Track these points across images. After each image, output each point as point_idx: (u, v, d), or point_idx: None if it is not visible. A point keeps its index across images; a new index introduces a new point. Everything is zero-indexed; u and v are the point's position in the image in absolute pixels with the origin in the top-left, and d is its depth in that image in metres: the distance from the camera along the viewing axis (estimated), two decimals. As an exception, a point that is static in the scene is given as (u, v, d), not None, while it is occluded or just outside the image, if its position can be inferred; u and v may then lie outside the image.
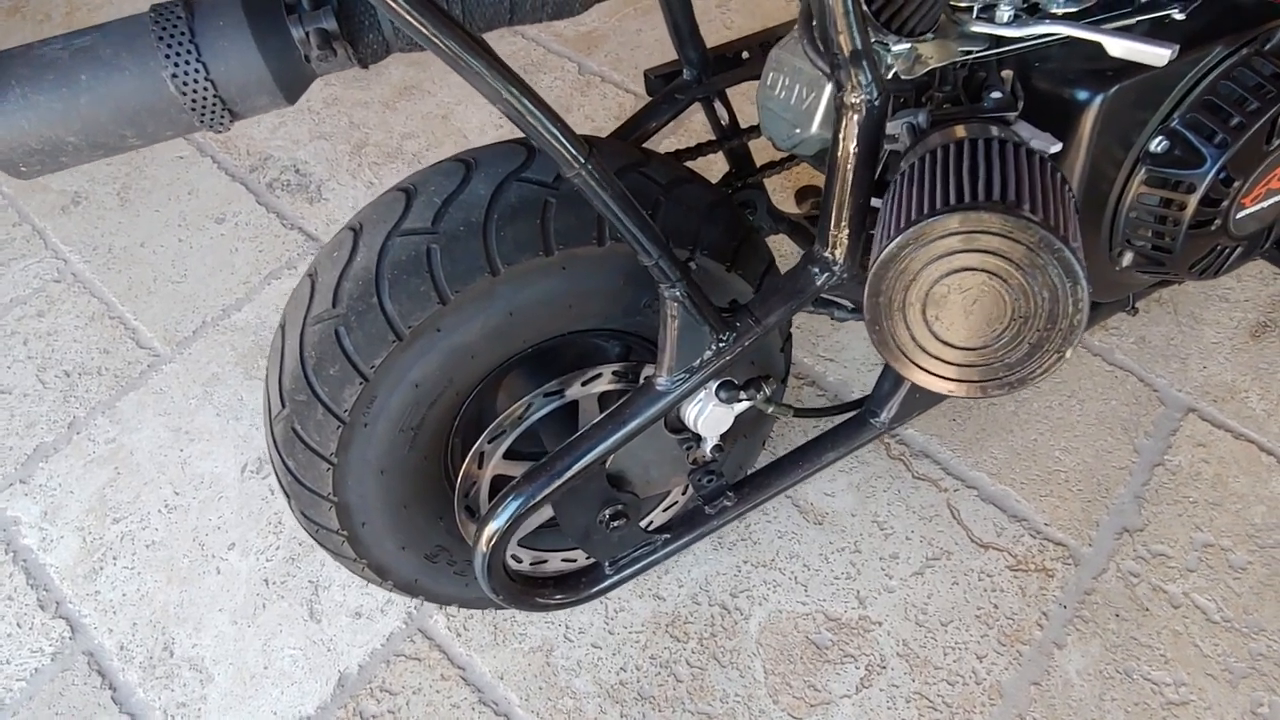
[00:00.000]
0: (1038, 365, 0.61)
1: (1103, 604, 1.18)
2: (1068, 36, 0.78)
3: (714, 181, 1.02)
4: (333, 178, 1.76)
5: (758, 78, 1.00)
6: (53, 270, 1.66)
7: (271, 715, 1.18)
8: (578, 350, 0.93)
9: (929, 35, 0.79)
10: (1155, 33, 0.81)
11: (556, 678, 1.17)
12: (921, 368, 0.65)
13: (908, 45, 0.78)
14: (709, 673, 1.16)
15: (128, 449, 1.43)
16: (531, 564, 1.00)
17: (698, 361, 0.78)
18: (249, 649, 1.23)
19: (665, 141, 1.75)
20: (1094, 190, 0.88)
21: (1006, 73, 0.84)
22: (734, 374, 0.84)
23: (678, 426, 0.90)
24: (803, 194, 1.43)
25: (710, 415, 0.86)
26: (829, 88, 0.86)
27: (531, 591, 0.91)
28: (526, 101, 0.60)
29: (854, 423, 0.98)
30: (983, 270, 0.58)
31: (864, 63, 0.66)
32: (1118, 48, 0.76)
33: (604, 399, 0.90)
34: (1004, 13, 0.80)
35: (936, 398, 0.97)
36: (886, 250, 0.60)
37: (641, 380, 0.85)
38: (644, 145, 1.01)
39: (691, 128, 1.76)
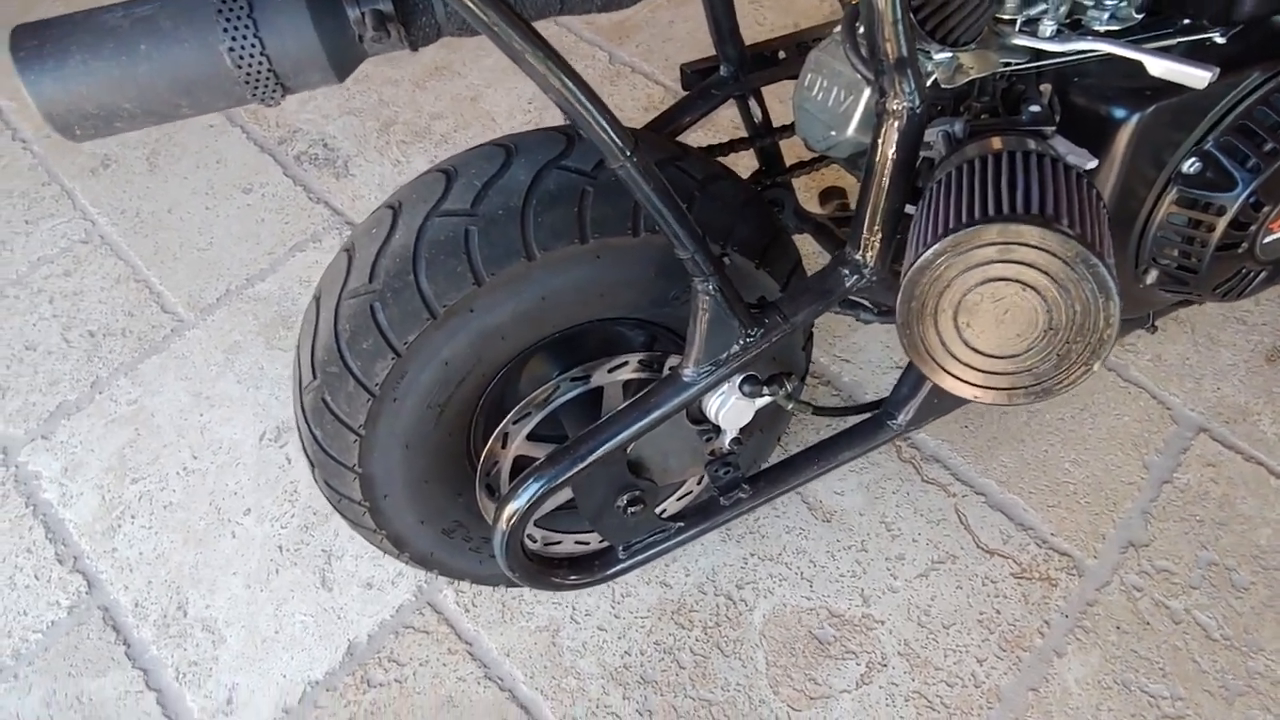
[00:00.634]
0: (1065, 377, 0.63)
1: (1104, 616, 1.19)
2: (1108, 54, 0.79)
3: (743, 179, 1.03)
4: (360, 154, 1.77)
5: (794, 78, 1.01)
6: (80, 231, 1.67)
7: (281, 678, 1.20)
8: (604, 338, 0.95)
9: (971, 46, 0.80)
10: (1195, 55, 0.82)
11: (561, 657, 1.19)
12: (950, 373, 0.66)
13: (950, 54, 0.79)
14: (711, 661, 1.18)
15: (148, 411, 1.45)
16: (544, 544, 1.02)
17: (724, 355, 0.80)
18: (261, 613, 1.25)
19: (692, 137, 1.75)
20: (1124, 207, 0.89)
21: (1045, 87, 0.85)
22: (757, 369, 0.86)
23: (699, 418, 0.92)
24: (826, 195, 1.44)
25: (732, 408, 0.87)
26: (867, 92, 0.87)
27: (547, 571, 0.93)
28: (578, 92, 0.61)
29: (871, 424, 1.00)
30: (1017, 281, 0.60)
31: (908, 70, 0.67)
32: (1158, 68, 0.76)
33: (627, 387, 0.91)
34: (1047, 27, 0.81)
35: (954, 403, 0.98)
36: (923, 257, 0.61)
37: (666, 370, 0.86)
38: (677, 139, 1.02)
39: (719, 124, 1.77)
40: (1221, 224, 0.85)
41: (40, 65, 0.63)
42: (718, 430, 0.93)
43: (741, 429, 0.95)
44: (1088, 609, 1.20)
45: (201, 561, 1.30)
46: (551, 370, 0.91)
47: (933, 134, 0.84)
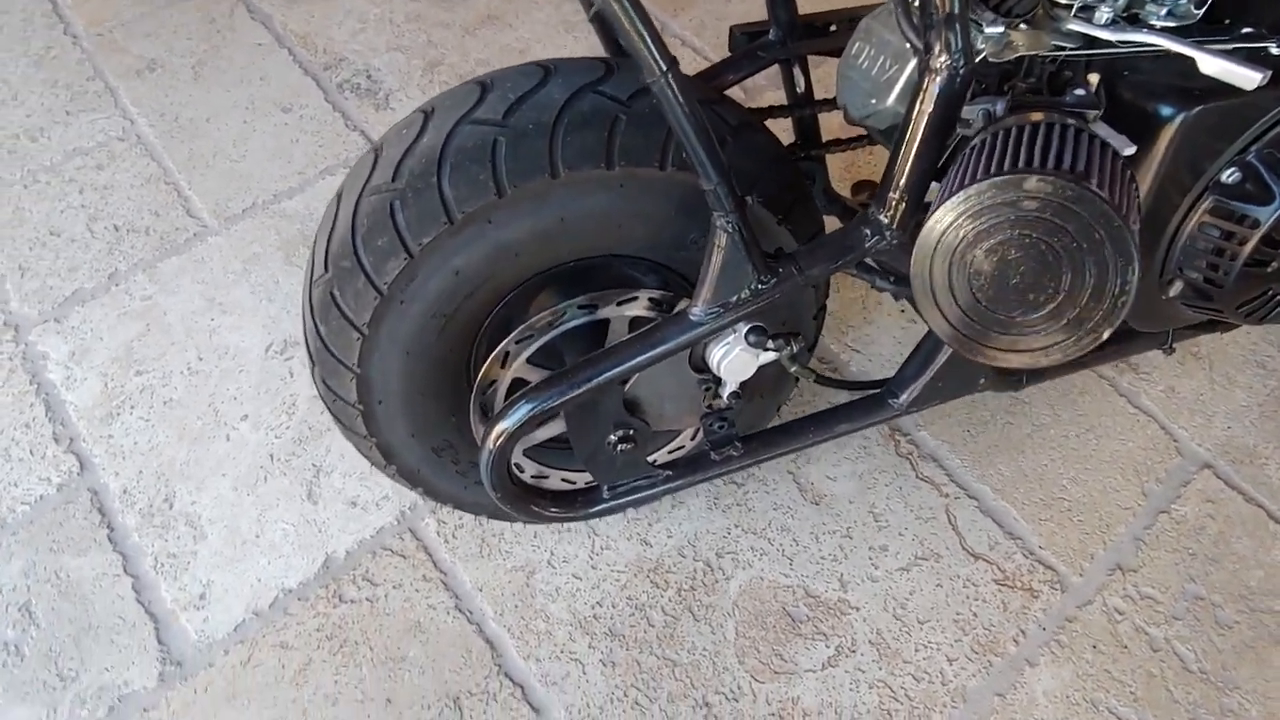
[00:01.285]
0: (1075, 342, 0.62)
1: (1082, 633, 1.18)
2: (1161, 50, 0.78)
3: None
4: (402, 89, 1.78)
5: (839, 53, 1.00)
6: (119, 128, 1.69)
7: (255, 581, 1.21)
8: (618, 276, 0.94)
9: (1023, 25, 0.79)
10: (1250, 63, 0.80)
11: (534, 599, 1.20)
12: (957, 329, 0.65)
13: (1001, 28, 0.78)
14: (681, 623, 1.18)
15: (161, 309, 1.46)
16: (533, 477, 1.02)
17: (735, 299, 0.79)
18: (244, 516, 1.26)
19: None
20: (1156, 212, 0.87)
21: (1093, 76, 0.83)
22: (766, 322, 0.85)
23: (701, 366, 0.92)
24: (859, 187, 1.43)
25: (735, 359, 0.87)
26: (912, 63, 0.86)
27: (529, 499, 0.93)
28: (627, 2, 0.61)
29: (872, 400, 0.99)
30: (1039, 239, 0.59)
31: (957, 27, 0.67)
32: (1211, 66, 0.75)
33: (634, 324, 0.91)
34: (1103, 14, 0.80)
35: (957, 389, 0.97)
36: (945, 205, 0.60)
37: (676, 311, 0.86)
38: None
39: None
40: (1254, 239, 0.84)
41: None
42: (718, 382, 0.92)
43: (742, 388, 0.95)
44: (1066, 624, 1.19)
45: (193, 459, 1.31)
46: (562, 299, 0.90)
47: (973, 111, 0.83)
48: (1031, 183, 0.58)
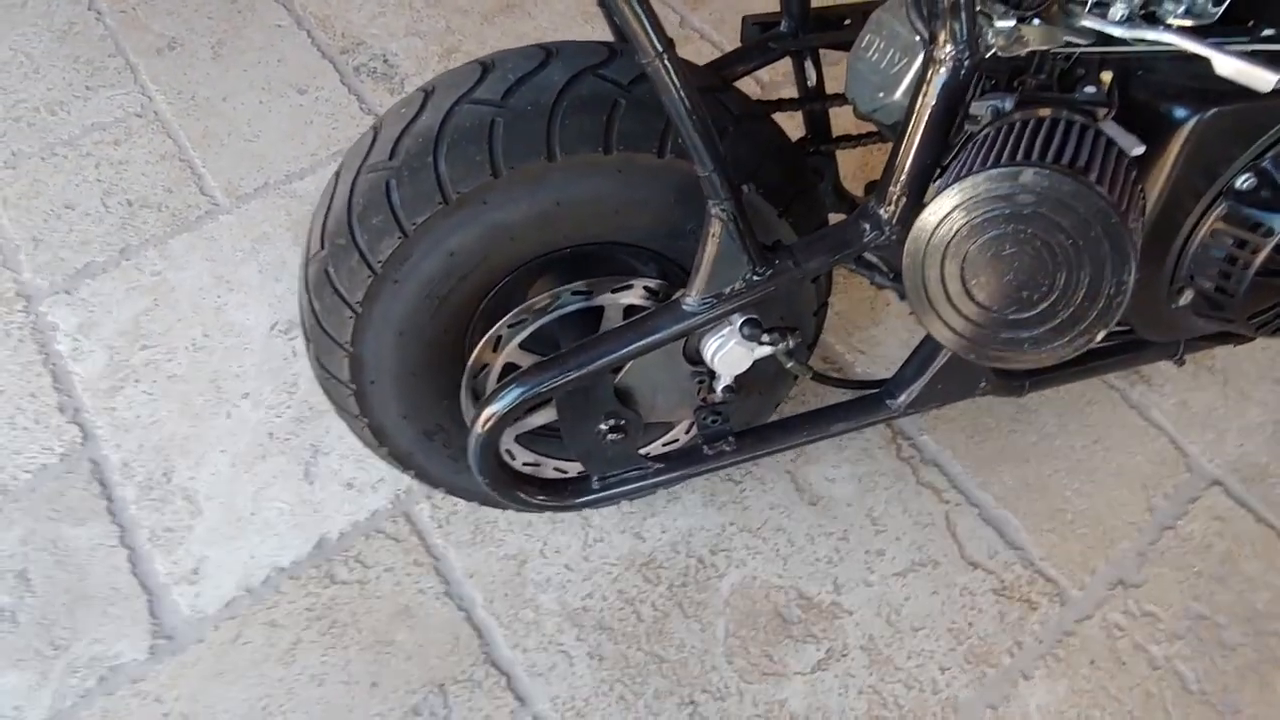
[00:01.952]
0: (1067, 343, 0.60)
1: (1080, 648, 1.16)
2: (1177, 49, 0.76)
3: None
4: (418, 74, 1.78)
5: (851, 47, 0.99)
6: (137, 105, 1.71)
7: (249, 558, 1.21)
8: (614, 265, 0.93)
9: (1036, 20, 0.77)
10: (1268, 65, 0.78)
11: (524, 589, 1.19)
12: (947, 324, 0.64)
13: (1012, 22, 0.76)
14: (671, 619, 1.17)
15: (170, 284, 1.47)
16: (524, 464, 1.01)
17: (729, 289, 0.78)
18: (241, 493, 1.27)
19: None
20: (1167, 217, 0.85)
21: (1106, 74, 0.81)
22: (761, 316, 0.84)
23: (696, 359, 0.91)
24: (872, 187, 1.41)
25: (730, 352, 0.86)
26: (922, 56, 0.85)
27: (517, 484, 0.92)
28: (620, -23, 0.60)
29: (870, 400, 0.97)
30: (1034, 234, 0.57)
31: (963, 16, 0.65)
32: (1226, 66, 0.73)
33: (629, 313, 0.90)
34: (1118, 11, 0.78)
35: (957, 393, 0.96)
36: (940, 196, 0.59)
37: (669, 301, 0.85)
38: (725, 83, 1.00)
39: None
40: (1268, 247, 0.81)
41: None
42: (712, 375, 0.91)
43: (738, 383, 0.93)
44: (1064, 638, 1.17)
45: (194, 435, 1.32)
46: (556, 286, 0.90)
47: (981, 107, 0.81)
48: (1028, 175, 0.57)
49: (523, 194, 0.80)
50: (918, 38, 0.83)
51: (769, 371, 1.01)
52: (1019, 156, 0.58)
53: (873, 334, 1.44)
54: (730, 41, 1.86)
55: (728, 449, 0.95)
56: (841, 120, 1.18)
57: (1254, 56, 0.74)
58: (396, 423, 0.96)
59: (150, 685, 1.12)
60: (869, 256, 0.90)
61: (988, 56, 0.76)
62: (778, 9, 1.08)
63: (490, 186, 0.78)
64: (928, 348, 0.93)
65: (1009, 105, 0.80)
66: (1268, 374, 1.40)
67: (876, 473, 1.30)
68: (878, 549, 1.23)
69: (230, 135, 1.67)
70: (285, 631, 1.16)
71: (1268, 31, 0.80)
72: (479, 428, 0.85)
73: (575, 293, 0.86)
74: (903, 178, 0.73)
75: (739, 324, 0.83)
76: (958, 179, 0.59)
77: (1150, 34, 0.77)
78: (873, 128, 1.11)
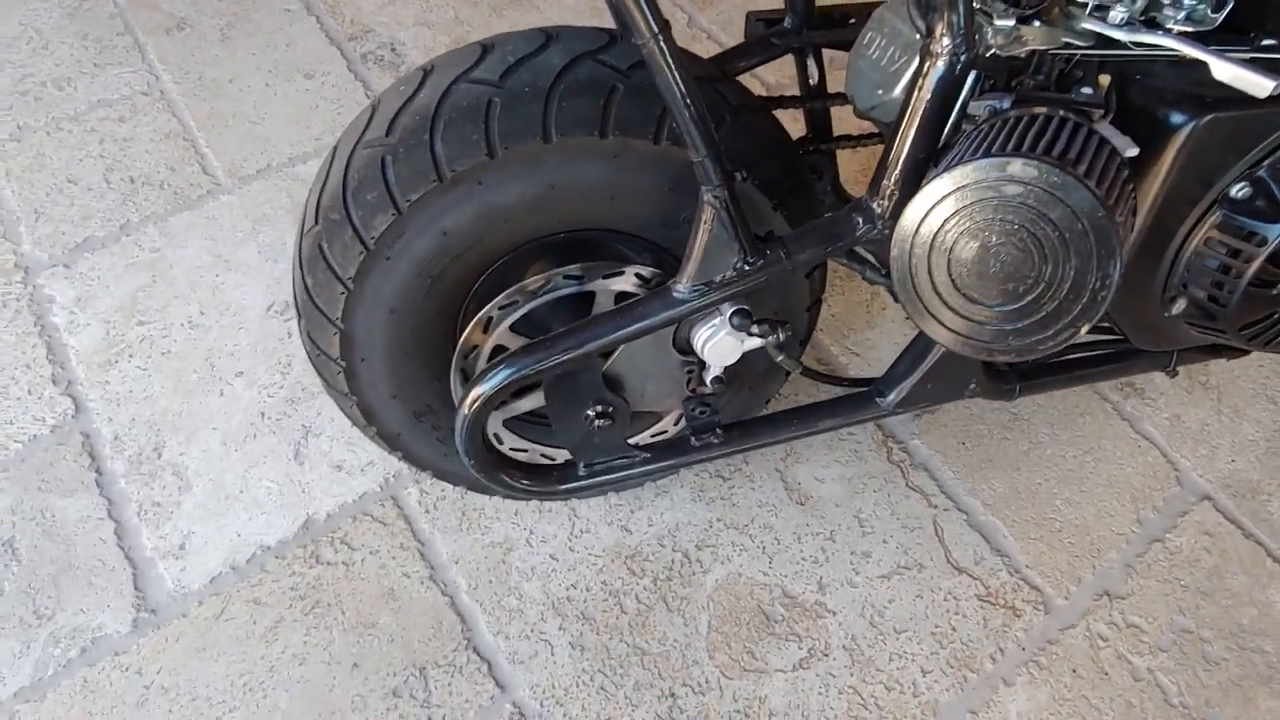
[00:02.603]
0: (1052, 336, 0.60)
1: (1063, 657, 1.15)
2: (1176, 54, 0.76)
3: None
4: (426, 64, 1.78)
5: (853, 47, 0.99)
6: (144, 83, 1.71)
7: (235, 536, 1.21)
8: (609, 252, 0.93)
9: (1036, 21, 0.77)
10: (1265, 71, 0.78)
11: (509, 576, 1.19)
12: (933, 315, 0.64)
13: (1012, 21, 0.76)
14: (655, 612, 1.17)
15: (168, 262, 1.48)
16: (511, 449, 1.01)
17: (719, 277, 0.78)
18: (231, 471, 1.27)
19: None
20: (1161, 223, 0.85)
21: (1105, 78, 0.82)
22: (753, 309, 0.84)
23: (686, 349, 0.91)
24: (874, 189, 1.41)
25: (719, 342, 0.86)
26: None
27: (502, 468, 0.92)
28: (617, -42, 0.60)
29: (859, 398, 0.97)
30: (1020, 225, 0.57)
31: (960, 9, 0.65)
32: (1223, 71, 0.73)
33: (620, 299, 0.90)
34: (1118, 14, 0.78)
35: (947, 393, 0.95)
36: (930, 185, 0.59)
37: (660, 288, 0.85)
38: (727, 76, 1.01)
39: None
40: (1261, 257, 0.81)
41: None
42: (702, 365, 0.91)
43: (727, 375, 0.93)
44: (1047, 646, 1.16)
45: (186, 411, 1.32)
46: (549, 270, 0.90)
47: (980, 107, 0.82)
48: (1016, 166, 0.57)
49: (518, 175, 0.80)
50: (918, 36, 0.84)
51: (759, 366, 1.01)
52: (1010, 148, 0.58)
53: (868, 336, 1.44)
54: (737, 42, 1.86)
55: (715, 441, 0.95)
56: (843, 121, 1.19)
57: (1252, 63, 0.74)
58: (386, 402, 0.96)
59: (132, 658, 1.12)
60: (861, 251, 0.90)
61: (986, 55, 0.76)
62: (782, 6, 1.09)
63: (485, 166, 0.79)
64: (919, 346, 0.93)
65: (1006, 105, 0.80)
66: (1262, 391, 1.40)
67: (866, 475, 1.29)
68: (864, 550, 1.23)
69: (235, 117, 1.67)
70: (269, 610, 1.16)
71: (1267, 41, 0.80)
72: (466, 408, 0.85)
73: (567, 277, 0.86)
74: (896, 172, 0.73)
75: (729, 314, 0.83)
76: (947, 168, 0.59)
77: (1149, 38, 0.77)
78: (873, 128, 1.11)
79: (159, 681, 1.10)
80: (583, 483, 0.96)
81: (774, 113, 1.00)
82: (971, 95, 0.79)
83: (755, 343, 0.87)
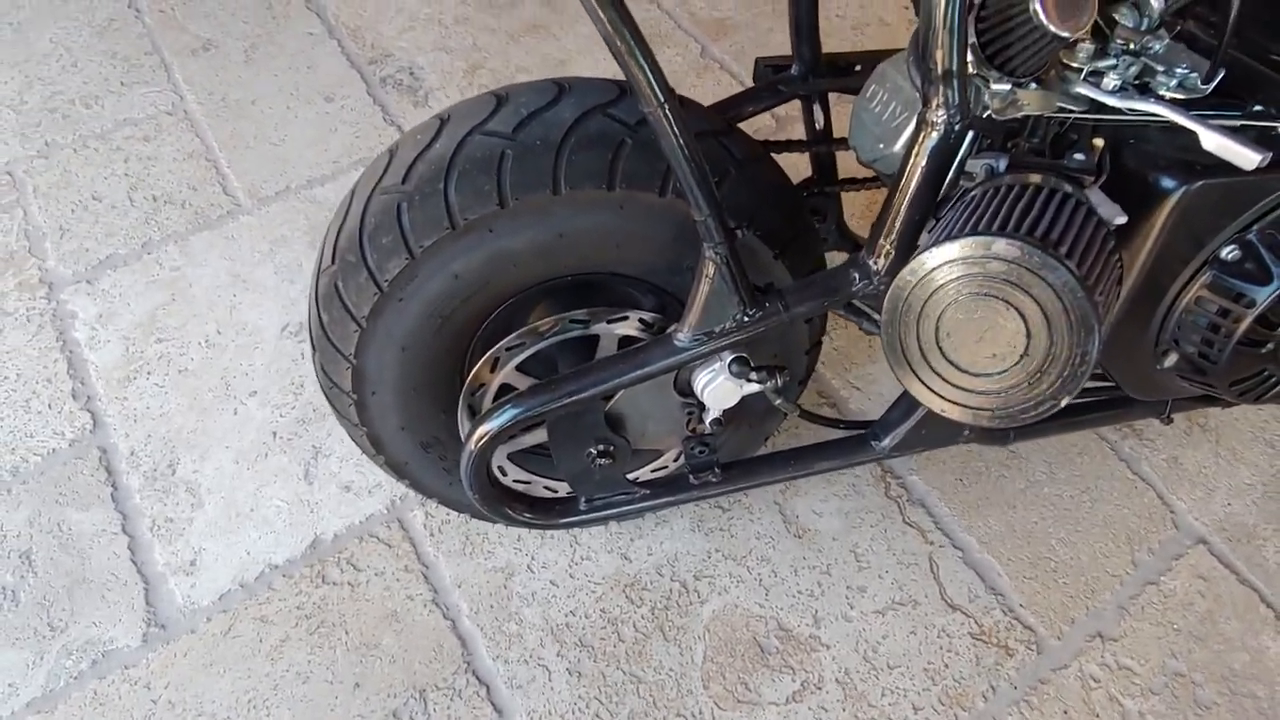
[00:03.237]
0: (1032, 406, 0.62)
1: (1054, 697, 1.17)
2: (1165, 120, 0.78)
3: (794, 181, 1.04)
4: (443, 89, 1.82)
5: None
6: (168, 103, 1.76)
7: (245, 554, 1.24)
8: (615, 295, 0.96)
9: (1032, 85, 0.80)
10: (1256, 141, 0.80)
11: (509, 602, 1.21)
12: (921, 380, 0.66)
13: (1008, 86, 0.79)
14: (651, 641, 1.19)
15: (188, 280, 1.51)
16: (515, 481, 1.04)
17: (719, 328, 0.81)
18: (242, 489, 1.30)
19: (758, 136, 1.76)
20: (1152, 282, 0.87)
21: (1098, 141, 0.84)
22: (752, 354, 0.87)
23: (686, 391, 0.93)
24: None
25: (718, 387, 0.88)
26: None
27: (506, 501, 0.95)
28: (625, 30, 0.63)
29: (855, 440, 1.00)
30: (1004, 300, 0.60)
31: (954, 84, 0.68)
32: (1211, 141, 0.75)
33: (624, 343, 0.93)
34: (1112, 82, 0.80)
35: (942, 439, 0.98)
36: (919, 257, 0.61)
37: (661, 335, 0.88)
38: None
39: (793, 133, 1.77)
40: (1249, 318, 0.83)
41: None
42: (702, 407, 0.94)
43: (727, 416, 0.96)
44: (1038, 686, 1.18)
45: (200, 429, 1.36)
46: (555, 312, 0.93)
47: (976, 166, 0.84)
48: (1000, 245, 0.59)
49: (527, 224, 0.83)
50: (918, 93, 0.86)
51: (758, 407, 1.03)
52: (998, 223, 0.61)
53: (869, 371, 1.46)
54: (749, 73, 1.89)
55: (713, 480, 0.97)
56: (848, 161, 1.21)
57: (1242, 133, 0.76)
58: (395, 433, 0.99)
59: (141, 672, 1.15)
60: (858, 303, 0.92)
61: (983, 117, 0.79)
62: (790, 53, 1.11)
63: (496, 215, 0.82)
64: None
65: (1002, 166, 0.82)
66: (1260, 435, 1.41)
67: (864, 509, 1.31)
68: (859, 585, 1.25)
69: (256, 138, 1.71)
70: (275, 628, 1.19)
71: (1258, 108, 0.82)
72: (472, 444, 0.88)
73: (573, 321, 0.89)
74: (893, 232, 0.76)
75: (728, 361, 0.85)
76: (936, 243, 0.61)
77: (1141, 105, 0.79)
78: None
79: (167, 696, 1.13)
80: (583, 516, 0.99)
81: (778, 156, 1.03)
82: (969, 153, 0.82)
83: (754, 388, 0.89)
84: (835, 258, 1.48)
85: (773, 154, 1.11)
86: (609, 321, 0.90)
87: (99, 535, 1.26)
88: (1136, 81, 0.82)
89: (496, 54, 1.89)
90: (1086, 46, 0.79)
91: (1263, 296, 0.82)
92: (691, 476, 0.97)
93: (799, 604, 1.23)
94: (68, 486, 1.30)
